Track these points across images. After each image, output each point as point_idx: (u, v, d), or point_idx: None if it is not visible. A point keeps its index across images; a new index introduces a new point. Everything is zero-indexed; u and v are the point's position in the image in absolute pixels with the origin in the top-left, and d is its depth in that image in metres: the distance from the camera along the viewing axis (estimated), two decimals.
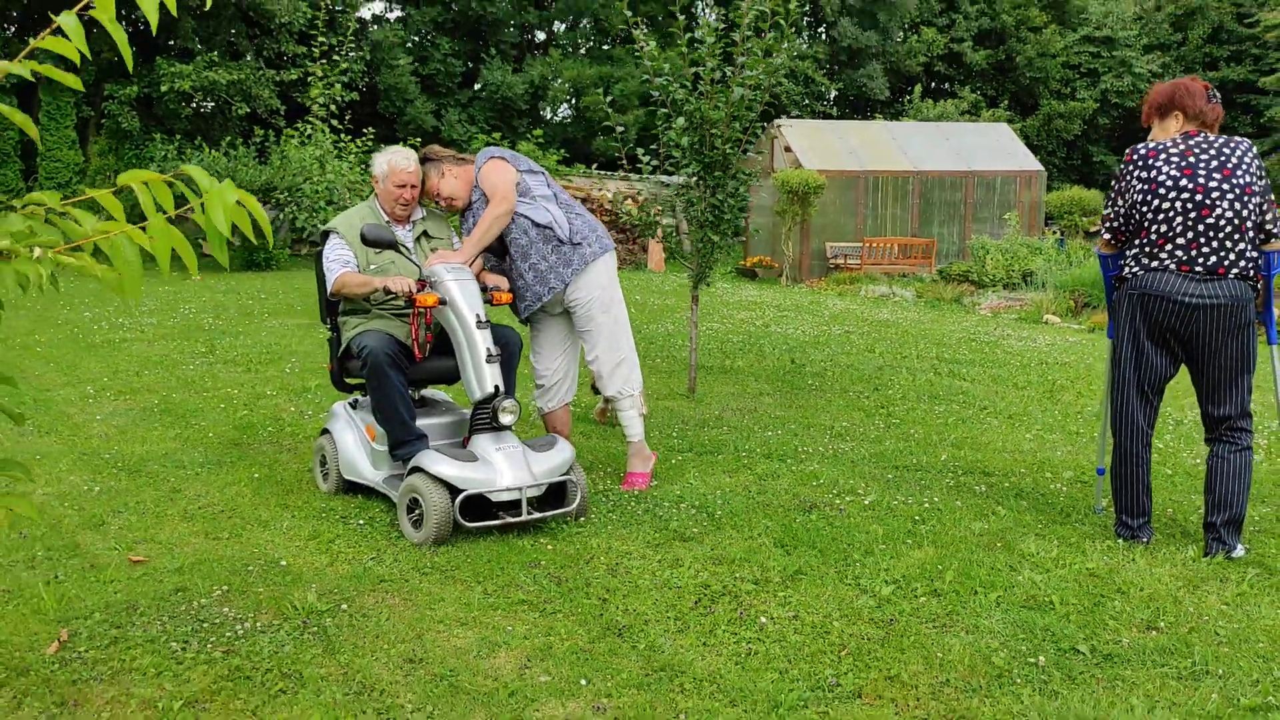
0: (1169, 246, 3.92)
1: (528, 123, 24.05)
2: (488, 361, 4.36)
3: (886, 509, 4.64)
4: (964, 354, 9.46)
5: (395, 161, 4.83)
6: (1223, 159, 3.91)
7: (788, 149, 19.36)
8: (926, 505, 4.72)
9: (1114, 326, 4.20)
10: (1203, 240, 3.88)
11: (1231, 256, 3.88)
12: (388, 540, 4.24)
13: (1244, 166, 3.90)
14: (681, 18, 6.99)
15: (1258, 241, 3.96)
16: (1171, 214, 3.91)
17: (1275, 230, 3.96)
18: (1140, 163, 4.01)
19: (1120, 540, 4.20)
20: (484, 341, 4.38)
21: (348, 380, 5.00)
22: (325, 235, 4.89)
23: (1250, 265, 3.90)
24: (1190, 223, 3.88)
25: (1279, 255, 4.04)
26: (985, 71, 30.19)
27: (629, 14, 7.16)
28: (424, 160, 4.93)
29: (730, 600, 3.61)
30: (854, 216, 19.36)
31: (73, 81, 2.22)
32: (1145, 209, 3.97)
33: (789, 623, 3.43)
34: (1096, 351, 9.67)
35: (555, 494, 4.45)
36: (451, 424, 4.77)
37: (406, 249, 4.64)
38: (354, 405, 4.98)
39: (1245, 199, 3.87)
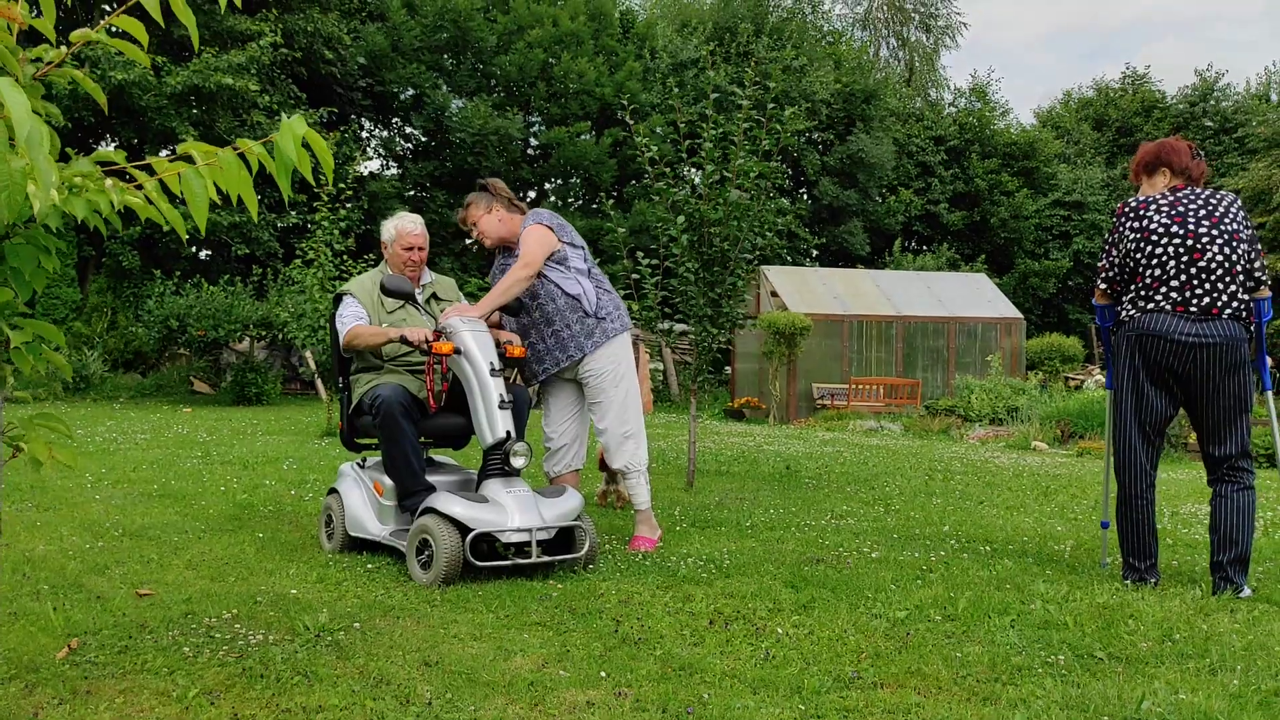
0: (1163, 289, 4.10)
1: None
2: (500, 407, 4.41)
3: (894, 562, 4.66)
4: (956, 468, 9.53)
5: (403, 225, 4.98)
6: (1210, 208, 4.13)
7: (774, 293, 19.85)
8: (933, 559, 4.74)
9: (1113, 373, 4.34)
10: (1195, 282, 4.06)
11: (1224, 298, 4.05)
12: (396, 582, 4.21)
13: (1230, 215, 4.12)
14: (684, 125, 7.37)
15: (1249, 288, 4.14)
16: (1165, 258, 4.10)
17: (1263, 278, 4.16)
18: (1132, 214, 4.23)
19: (1128, 583, 4.22)
20: (497, 388, 4.44)
21: (358, 440, 5.03)
22: (338, 299, 5.01)
23: (1242, 307, 4.07)
24: (1183, 266, 4.07)
25: (1268, 303, 4.23)
26: (961, 231, 31.27)
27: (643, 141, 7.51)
28: (481, 188, 5.08)
29: (744, 622, 3.60)
30: (839, 359, 19.69)
31: (140, 56, 2.38)
32: (1139, 255, 4.16)
33: (805, 637, 3.42)
34: (1087, 470, 9.76)
35: (564, 540, 4.45)
36: (459, 483, 4.78)
37: (419, 305, 4.80)
38: (362, 464, 5.01)
39: (1234, 244, 4.07)
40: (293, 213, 20.42)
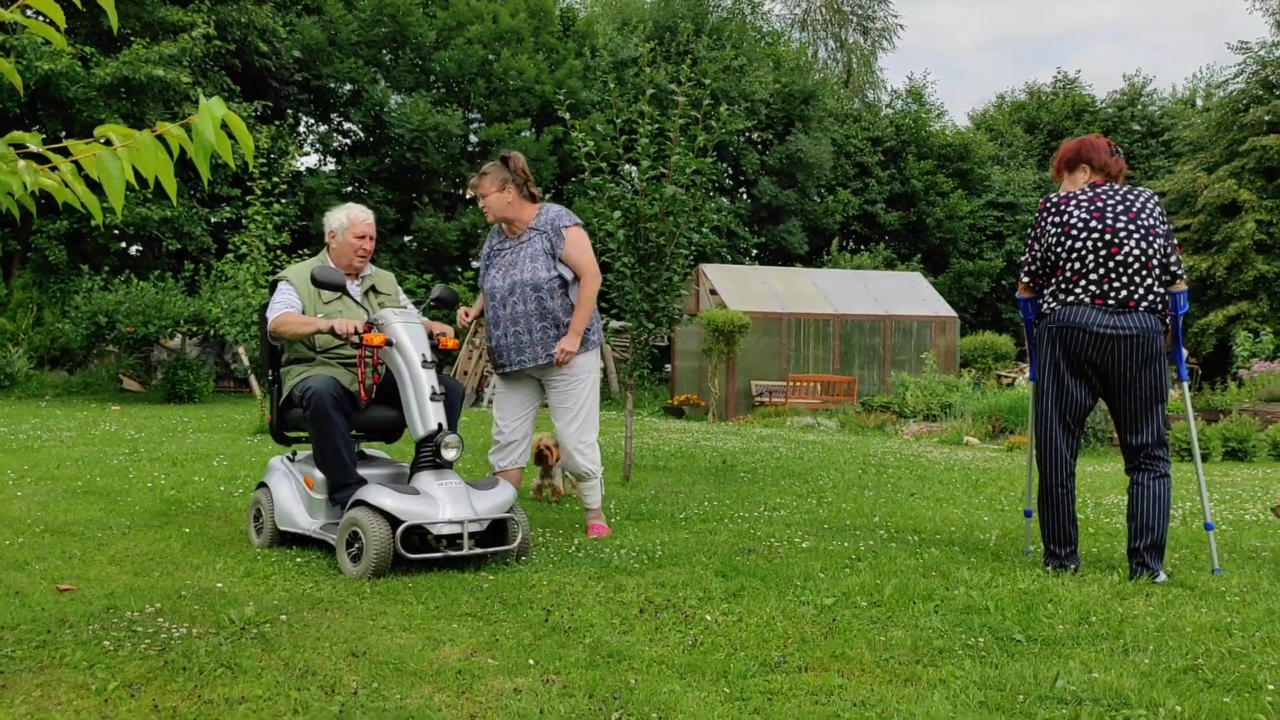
0: (1083, 282, 4.21)
1: (459, 268, 24.50)
2: (432, 399, 4.39)
3: (824, 552, 4.72)
4: (889, 462, 9.68)
5: (354, 214, 4.92)
6: (1128, 204, 4.25)
7: (713, 291, 19.96)
8: (863, 548, 4.81)
9: (1035, 365, 4.45)
10: (1113, 275, 4.17)
11: (1141, 291, 4.17)
12: (325, 575, 4.17)
13: (1147, 210, 4.24)
14: (620, 122, 7.39)
15: (1165, 281, 4.26)
16: (1084, 252, 4.21)
17: (1179, 272, 4.29)
18: (1053, 209, 4.33)
19: (1049, 569, 4.33)
20: (429, 380, 4.42)
21: (288, 434, 4.96)
22: (274, 285, 4.94)
23: (1158, 300, 4.19)
24: (1101, 260, 4.18)
25: (1184, 296, 4.37)
26: (898, 231, 31.71)
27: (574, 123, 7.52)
28: (502, 161, 5.04)
29: (674, 610, 3.63)
30: (777, 357, 19.86)
31: (58, 39, 2.34)
32: (1060, 249, 4.27)
33: (733, 624, 3.45)
34: (1016, 463, 9.97)
35: (497, 532, 4.42)
36: (390, 476, 4.74)
37: (355, 297, 4.76)
38: (292, 458, 4.95)
39: (1150, 239, 4.19)
40: (226, 207, 20.08)
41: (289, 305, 4.75)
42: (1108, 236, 4.18)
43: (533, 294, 4.97)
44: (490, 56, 25.10)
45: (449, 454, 4.37)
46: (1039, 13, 69.54)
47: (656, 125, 7.43)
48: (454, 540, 4.26)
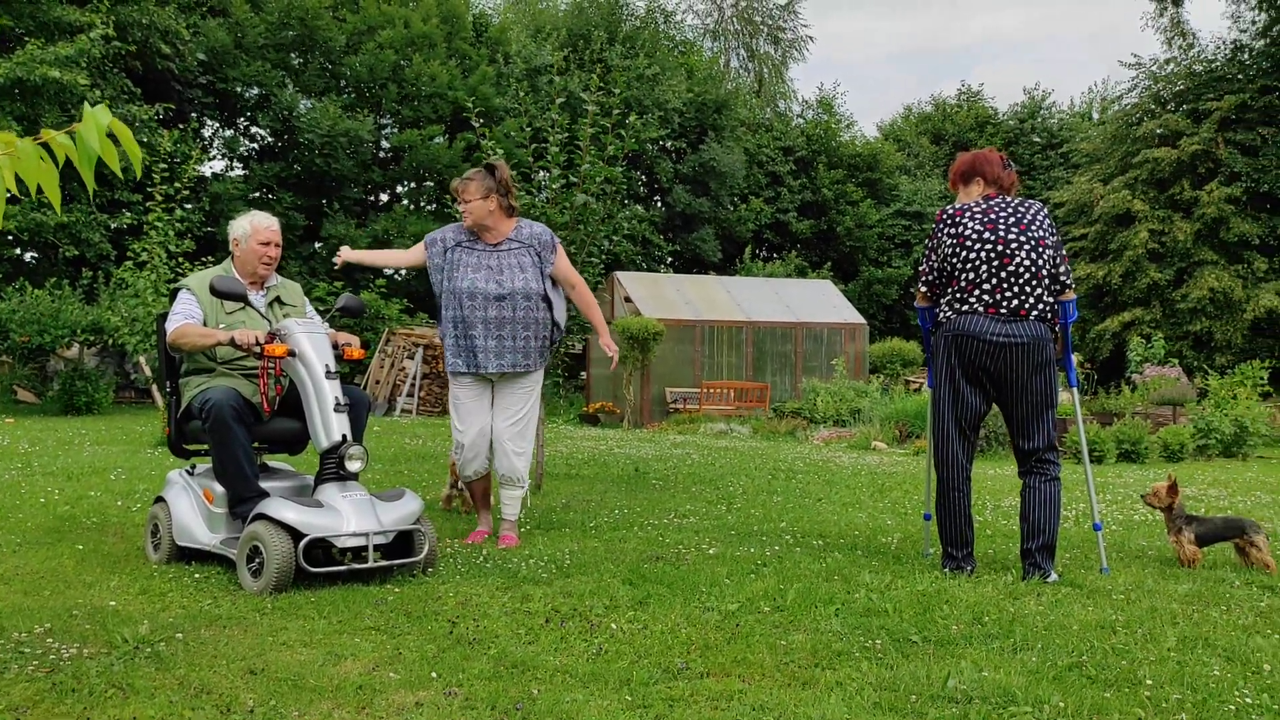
0: (977, 292, 4.34)
1: (370, 275, 24.17)
2: (336, 410, 4.33)
3: (730, 558, 4.78)
4: (799, 467, 9.82)
5: (258, 220, 4.85)
6: (1019, 215, 4.40)
7: (627, 299, 20.03)
8: (768, 553, 4.88)
9: (933, 372, 4.57)
10: (1005, 285, 4.31)
11: (1031, 300, 4.32)
12: (224, 591, 4.09)
13: (1037, 222, 4.40)
14: (529, 129, 7.39)
15: (1054, 291, 4.42)
16: (978, 262, 4.34)
17: (1067, 281, 4.45)
18: (949, 221, 4.46)
19: (947, 571, 4.45)
20: (332, 391, 4.36)
21: (186, 447, 4.85)
22: (175, 292, 4.81)
23: (1048, 309, 4.35)
24: (994, 270, 4.32)
25: (1073, 305, 4.53)
26: (809, 239, 32.20)
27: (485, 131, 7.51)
28: (489, 170, 5.19)
29: (580, 620, 3.64)
30: (691, 364, 20.01)
31: None
32: (955, 260, 4.40)
33: (638, 632, 3.48)
34: (921, 468, 10.20)
35: (403, 544, 4.37)
36: (293, 489, 4.65)
37: (259, 308, 4.68)
38: (191, 471, 4.83)
39: (1040, 250, 4.34)
40: (127, 213, 19.49)
41: (188, 316, 4.65)
42: (1000, 247, 4.32)
43: (524, 303, 5.14)
44: (402, 62, 24.84)
45: (353, 465, 4.31)
46: (944, 26, 71.37)
47: (566, 134, 7.46)
48: (359, 553, 4.20)
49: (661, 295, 20.51)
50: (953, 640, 3.37)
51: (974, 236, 4.36)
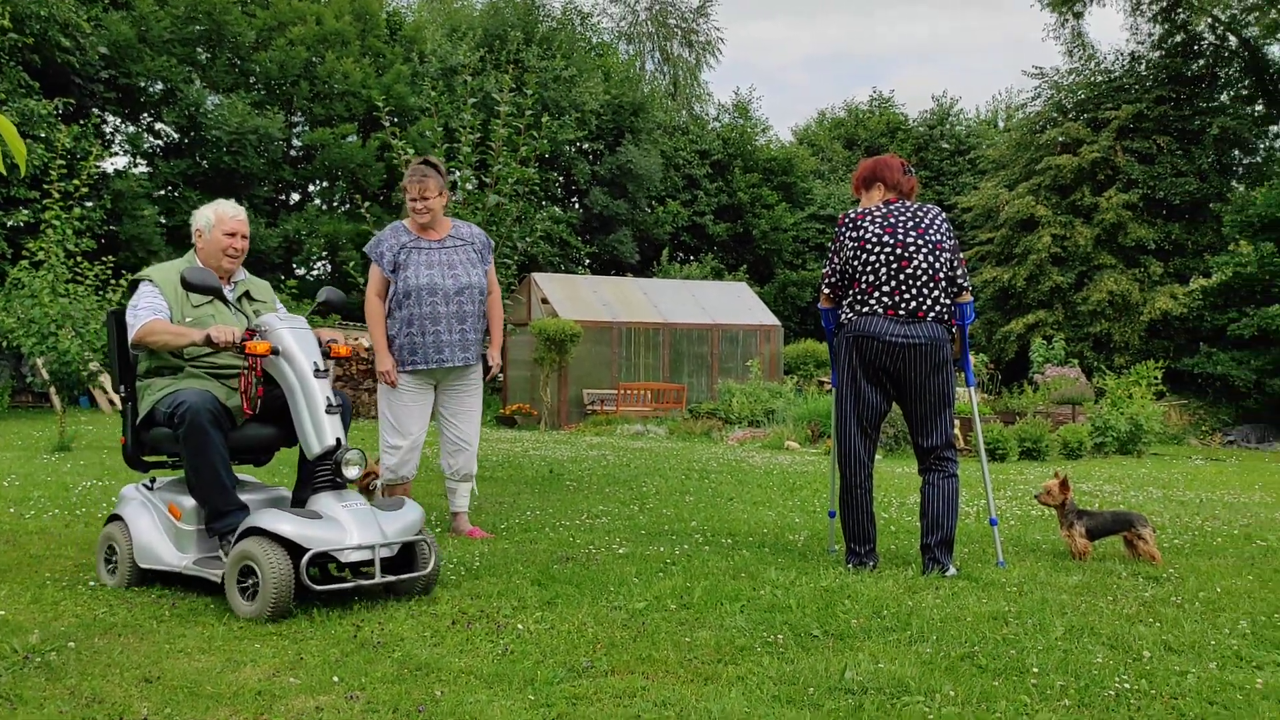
0: (876, 294, 4.45)
1: (281, 275, 23.70)
2: (328, 412, 3.98)
3: (639, 557, 4.81)
4: (713, 467, 9.92)
5: (223, 209, 4.49)
6: (917, 220, 4.52)
7: (544, 300, 19.99)
8: (678, 552, 4.93)
9: (836, 372, 4.67)
10: (904, 288, 4.43)
11: (929, 302, 4.44)
12: (121, 600, 3.98)
13: (935, 227, 4.52)
14: (440, 130, 7.35)
15: (951, 293, 4.54)
16: (878, 265, 4.45)
17: (964, 284, 4.58)
18: (851, 225, 4.57)
19: (850, 567, 4.55)
20: (323, 391, 4.00)
21: (145, 459, 4.39)
22: (134, 286, 4.39)
23: (945, 311, 4.47)
24: (893, 272, 4.43)
25: (969, 307, 4.67)
26: (725, 242, 32.52)
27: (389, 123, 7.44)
28: (434, 166, 5.24)
29: (486, 621, 3.64)
30: (609, 366, 20.05)
31: None
32: (856, 263, 4.51)
33: (545, 632, 3.49)
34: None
35: (405, 557, 4.02)
36: (269, 500, 4.27)
37: (229, 303, 4.38)
38: (150, 485, 4.40)
39: (937, 253, 4.47)
40: (24, 210, 18.81)
41: (155, 310, 4.22)
42: (899, 251, 4.44)
43: (479, 297, 5.29)
44: (314, 59, 24.43)
45: (350, 472, 3.95)
46: (858, 33, 72.65)
47: (478, 134, 7.43)
48: (362, 568, 3.90)
49: (579, 297, 20.52)
50: (852, 634, 3.45)
51: (874, 240, 4.47)
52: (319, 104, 24.66)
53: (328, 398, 4.00)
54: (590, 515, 6.31)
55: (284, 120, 24.30)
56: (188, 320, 4.26)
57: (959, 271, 4.56)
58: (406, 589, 4.00)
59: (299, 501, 4.15)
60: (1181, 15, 25.57)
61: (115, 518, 4.34)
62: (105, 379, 16.39)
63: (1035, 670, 3.04)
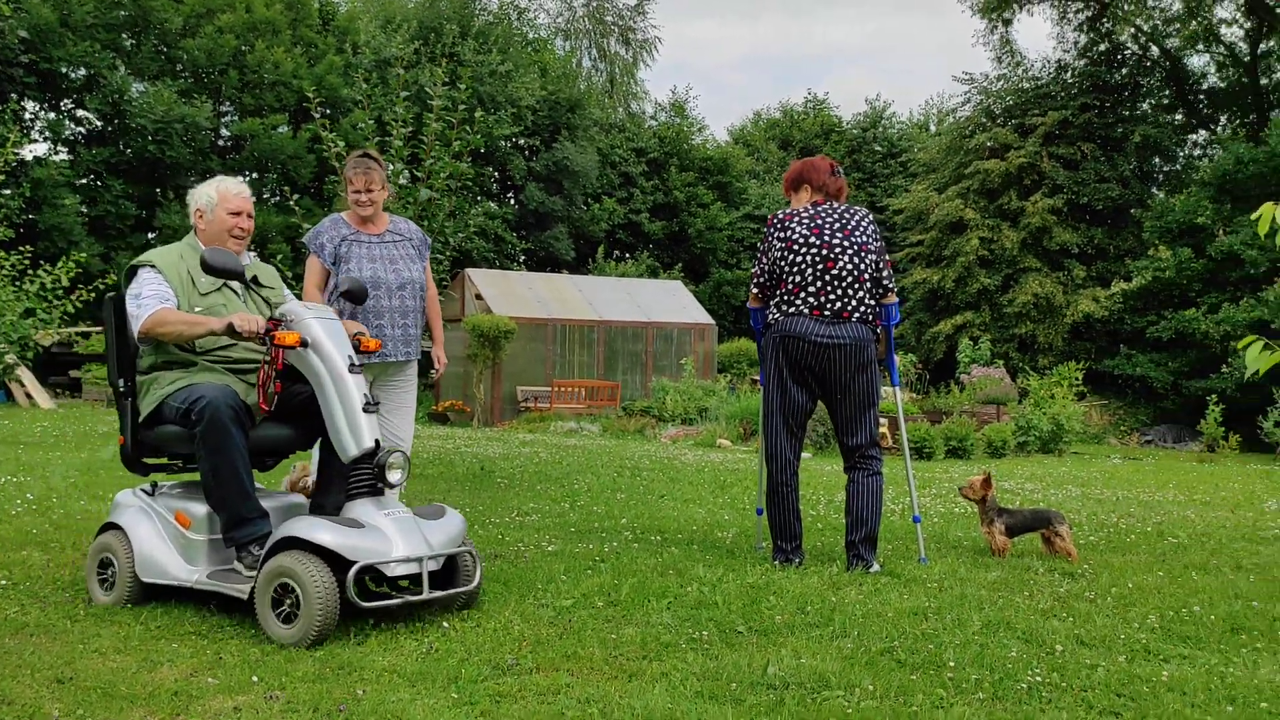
0: (803, 294, 4.51)
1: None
2: (365, 411, 3.62)
3: (569, 555, 4.81)
4: (645, 465, 9.95)
5: (226, 186, 4.12)
6: (844, 221, 4.58)
7: (478, 296, 19.86)
8: (606, 550, 4.95)
9: (764, 371, 4.72)
10: (829, 289, 4.49)
11: (854, 303, 4.50)
12: (34, 599, 3.88)
13: (861, 229, 4.58)
14: (373, 123, 7.27)
15: (877, 295, 4.61)
16: (804, 266, 4.51)
17: (889, 285, 4.65)
18: (779, 226, 4.62)
19: (777, 563, 4.60)
20: (358, 388, 3.65)
21: (146, 461, 4.01)
22: (132, 272, 4.00)
23: (870, 311, 4.54)
24: (818, 273, 4.49)
25: (895, 308, 4.75)
26: (661, 240, 32.62)
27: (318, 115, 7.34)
28: (374, 159, 5.06)
29: (413, 620, 3.61)
30: (543, 362, 20.00)
31: None
32: (784, 264, 4.56)
33: (471, 630, 3.48)
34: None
35: (446, 570, 3.72)
36: (284, 508, 3.94)
37: (246, 287, 4.04)
38: (151, 490, 4.00)
39: (862, 255, 4.54)
40: None
41: (164, 299, 3.85)
42: (825, 252, 4.50)
43: (420, 293, 5.26)
44: (244, 47, 23.95)
45: (394, 476, 3.65)
46: (794, 35, 73.30)
47: (411, 128, 7.37)
48: (403, 583, 3.59)
49: (513, 293, 20.43)
50: (776, 630, 3.50)
51: (801, 241, 4.52)
52: (248, 93, 24.19)
53: (365, 396, 3.66)
54: (521, 513, 6.29)
55: (212, 109, 23.79)
56: (196, 309, 3.89)
57: (885, 273, 4.63)
58: (450, 604, 3.71)
59: (319, 509, 3.88)
60: (1106, 25, 26.26)
61: (111, 527, 3.94)
62: (24, 372, 15.94)
63: (952, 664, 3.11)
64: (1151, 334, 21.14)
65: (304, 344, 3.65)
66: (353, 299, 4.38)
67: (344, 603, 3.31)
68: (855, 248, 4.52)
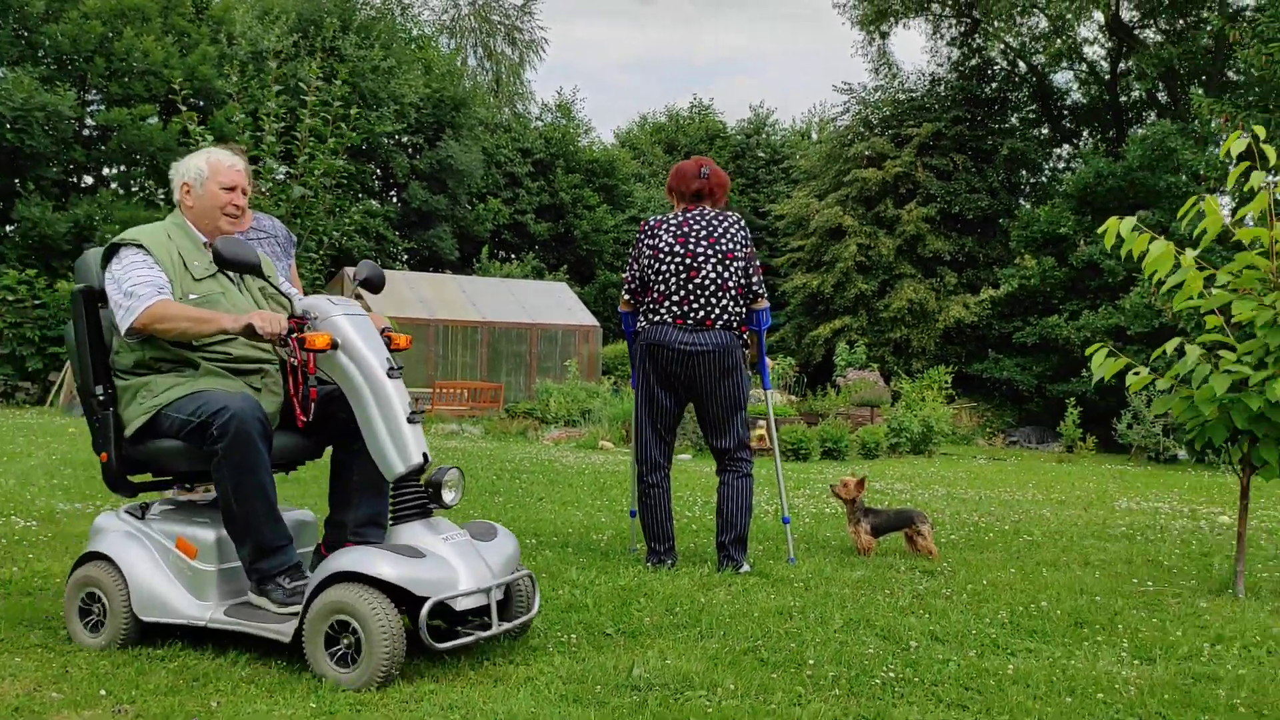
0: (667, 303, 4.58)
1: (70, 264, 22.21)
2: (409, 421, 3.24)
3: None
4: (525, 467, 9.92)
5: (218, 157, 3.60)
6: (711, 229, 4.64)
7: (358, 296, 19.46)
8: None
9: (634, 376, 4.76)
10: (692, 297, 4.56)
11: (717, 311, 4.57)
12: None
13: (729, 235, 4.66)
14: (247, 117, 7.08)
15: (747, 301, 4.69)
16: (668, 275, 4.58)
17: (759, 291, 4.74)
18: (649, 233, 4.68)
19: (649, 565, 4.65)
20: (400, 396, 3.26)
21: (132, 479, 3.47)
22: (111, 252, 3.39)
23: (734, 318, 4.60)
24: (681, 282, 4.56)
25: (766, 313, 4.84)
26: (547, 241, 32.55)
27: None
28: (242, 154, 4.54)
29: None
30: (425, 363, 19.74)
31: None
32: (650, 272, 4.63)
33: None
34: None
35: (504, 597, 3.33)
36: (293, 528, 3.51)
37: (231, 279, 3.53)
38: (141, 513, 3.48)
39: (727, 263, 4.60)
40: None
41: (160, 287, 3.30)
42: (688, 261, 4.57)
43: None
44: (110, 34, 23.00)
45: (450, 496, 3.30)
46: (680, 40, 74.01)
47: (284, 123, 7.20)
48: (469, 618, 3.17)
49: (395, 293, 20.12)
50: (645, 631, 3.54)
51: (666, 250, 4.60)
52: (116, 82, 23.22)
53: (408, 404, 3.26)
54: None
55: (76, 98, 22.77)
56: (191, 297, 3.36)
57: (754, 280, 4.70)
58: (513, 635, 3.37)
59: (337, 528, 3.56)
60: (977, 41, 27.27)
61: (94, 557, 3.40)
62: None
63: (812, 662, 3.19)
64: (1018, 339, 22.02)
65: (334, 346, 3.22)
66: (371, 287, 3.74)
67: (409, 641, 2.97)
68: (719, 256, 4.59)
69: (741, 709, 2.79)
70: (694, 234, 4.61)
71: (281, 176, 7.16)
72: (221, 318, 3.26)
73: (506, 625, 3.20)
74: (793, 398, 16.59)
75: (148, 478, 3.55)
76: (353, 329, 3.24)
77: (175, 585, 3.31)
